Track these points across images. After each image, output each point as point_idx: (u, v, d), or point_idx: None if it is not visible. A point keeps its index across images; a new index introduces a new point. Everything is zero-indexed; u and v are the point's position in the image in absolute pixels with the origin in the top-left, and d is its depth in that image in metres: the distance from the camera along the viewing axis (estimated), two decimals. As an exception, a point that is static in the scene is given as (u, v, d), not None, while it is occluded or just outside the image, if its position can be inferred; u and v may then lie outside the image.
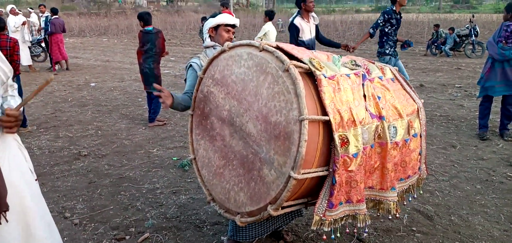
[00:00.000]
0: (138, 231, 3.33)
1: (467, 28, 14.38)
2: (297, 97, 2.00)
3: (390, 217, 2.42)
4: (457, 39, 14.60)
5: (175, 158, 4.97)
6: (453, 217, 3.49)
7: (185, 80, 2.89)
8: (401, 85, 2.64)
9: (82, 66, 13.37)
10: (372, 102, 2.32)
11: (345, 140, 2.10)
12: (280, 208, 2.15)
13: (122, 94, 8.92)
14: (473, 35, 13.96)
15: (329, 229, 2.22)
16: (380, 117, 2.29)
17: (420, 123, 2.54)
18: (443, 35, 15.16)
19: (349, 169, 2.14)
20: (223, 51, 2.45)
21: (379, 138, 2.29)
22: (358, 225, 2.29)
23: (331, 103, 2.11)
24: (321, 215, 2.18)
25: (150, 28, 6.21)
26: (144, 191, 4.07)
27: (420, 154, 2.58)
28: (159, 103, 6.46)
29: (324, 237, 2.45)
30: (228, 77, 2.39)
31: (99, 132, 6.16)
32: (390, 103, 2.41)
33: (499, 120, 5.80)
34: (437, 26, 15.58)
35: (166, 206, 3.75)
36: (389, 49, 6.29)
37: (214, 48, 2.87)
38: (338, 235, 2.35)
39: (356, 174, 2.17)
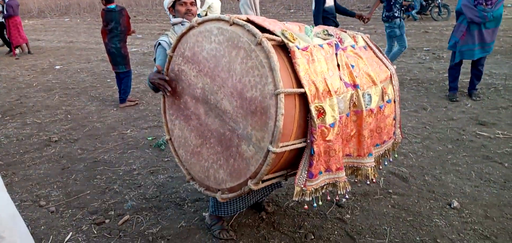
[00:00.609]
0: (117, 214, 3.28)
1: (433, -9, 14.58)
2: (272, 71, 1.97)
3: (368, 182, 2.46)
4: (423, 3, 14.82)
5: (150, 138, 4.88)
6: (427, 177, 3.60)
7: (154, 59, 2.81)
8: (374, 52, 2.65)
9: (45, 48, 12.83)
10: (346, 71, 2.32)
11: (322, 111, 2.11)
12: (260, 182, 2.16)
13: (90, 76, 8.64)
14: (439, -2, 14.19)
15: (310, 198, 2.24)
16: (355, 86, 2.30)
17: (393, 88, 2.57)
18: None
19: (327, 139, 2.15)
20: (192, 27, 2.37)
21: (354, 107, 2.31)
22: (339, 192, 2.32)
23: (306, 75, 2.09)
24: (302, 186, 2.20)
25: (112, 6, 5.97)
26: (120, 173, 3.99)
27: (394, 119, 2.62)
28: (129, 83, 6.30)
29: (306, 206, 2.48)
30: (199, 53, 2.33)
31: (69, 116, 5.96)
32: (363, 71, 2.42)
33: (467, 80, 5.97)
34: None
35: (145, 187, 3.69)
36: (397, 12, 6.53)
37: (182, 24, 2.81)
38: (320, 203, 2.37)
39: (334, 143, 2.18)
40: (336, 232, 2.90)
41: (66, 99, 6.88)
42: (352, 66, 2.36)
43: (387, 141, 2.61)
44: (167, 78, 2.53)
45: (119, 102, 6.32)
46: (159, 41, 2.78)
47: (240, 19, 2.17)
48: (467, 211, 3.06)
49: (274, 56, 1.97)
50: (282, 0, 22.80)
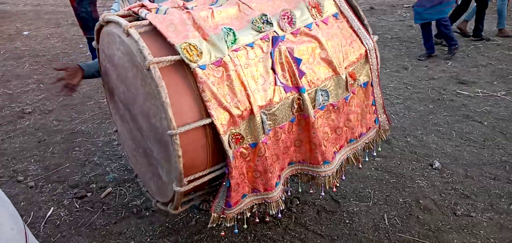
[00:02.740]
0: (99, 187, 3.21)
1: None
2: (163, 107, 1.68)
3: (322, 194, 2.29)
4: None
5: (128, 106, 4.74)
6: (409, 138, 3.64)
7: None
8: (348, 21, 2.19)
9: (10, 12, 12.16)
10: (286, 72, 1.95)
11: (239, 137, 1.85)
12: (180, 207, 1.99)
13: (61, 42, 8.27)
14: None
15: (232, 223, 2.04)
16: (298, 89, 1.96)
17: (370, 69, 2.20)
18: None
19: (247, 159, 1.91)
20: (101, 25, 2.05)
21: (299, 111, 2.00)
22: (270, 212, 2.09)
23: (214, 101, 1.76)
24: (220, 214, 2.00)
25: None
26: (100, 145, 3.88)
27: (373, 104, 2.29)
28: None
29: (223, 233, 2.41)
30: (113, 56, 2.03)
31: (41, 85, 5.72)
32: (320, 58, 2.04)
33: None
34: None
35: (125, 158, 3.59)
36: None
37: None
38: (245, 226, 2.17)
39: (257, 165, 1.94)
40: (321, 197, 2.91)
41: (37, 67, 6.58)
42: (298, 61, 1.97)
43: (365, 133, 2.30)
44: (68, 66, 2.32)
45: (94, 69, 6.08)
46: (112, 8, 2.54)
47: (141, 26, 1.83)
48: (448, 171, 3.12)
49: (162, 90, 1.65)
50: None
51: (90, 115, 4.59)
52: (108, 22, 2.00)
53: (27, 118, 4.58)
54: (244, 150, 1.88)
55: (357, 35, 2.18)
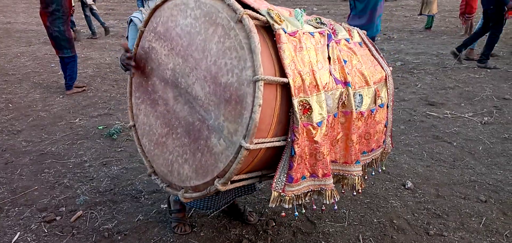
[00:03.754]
0: (69, 210, 3.10)
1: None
2: (252, 54, 1.72)
3: (354, 194, 2.29)
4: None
5: (101, 127, 4.65)
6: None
7: (127, 37, 2.61)
8: (369, 50, 2.42)
9: (-21, 30, 11.83)
10: (337, 66, 2.07)
11: (307, 107, 1.87)
12: (229, 183, 1.91)
13: (32, 60, 8.08)
14: (387, -20, 14.58)
15: (290, 206, 1.99)
16: (346, 83, 2.06)
17: (387, 92, 2.35)
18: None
19: (315, 139, 1.91)
20: (166, 0, 2.13)
21: (343, 107, 2.07)
22: (325, 201, 2.06)
23: (291, 63, 1.84)
24: (280, 191, 1.95)
25: None
26: (70, 166, 3.77)
27: (385, 126, 2.40)
28: (75, 68, 5.94)
29: (283, 214, 2.33)
30: (172, 29, 2.08)
31: (10, 105, 5.54)
32: (356, 69, 2.18)
33: (417, 61, 6.20)
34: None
35: (97, 180, 3.51)
36: None
37: None
38: (303, 211, 2.16)
39: (321, 145, 1.94)
40: (296, 218, 2.91)
41: (6, 86, 6.38)
42: (345, 61, 2.12)
43: (375, 150, 2.37)
44: (130, 55, 2.29)
45: (65, 88, 5.95)
46: (132, 17, 2.55)
47: None
48: (420, 191, 3.19)
49: (256, 36, 1.73)
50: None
51: (61, 135, 4.46)
52: None
53: (-6, 139, 4.41)
54: (311, 128, 1.89)
55: (378, 62, 2.39)
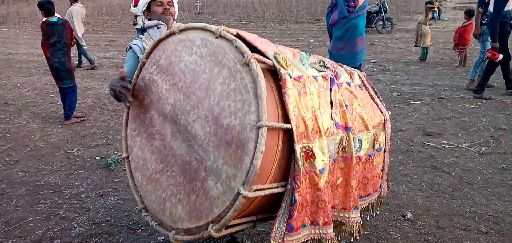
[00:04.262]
0: (64, 242, 3.05)
1: (377, 5, 15.30)
2: (257, 99, 1.69)
3: (351, 240, 2.25)
4: (369, 16, 15.49)
5: (98, 157, 4.63)
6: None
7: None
8: (369, 93, 2.44)
9: (-20, 61, 11.92)
10: (338, 111, 2.09)
11: (310, 154, 1.85)
12: (223, 229, 1.84)
13: (31, 90, 8.12)
14: (383, 12, 14.91)
15: None
16: (346, 128, 2.07)
17: (385, 136, 2.37)
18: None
19: (317, 186, 1.89)
20: (172, 34, 2.10)
21: (343, 152, 2.06)
22: None
23: (295, 109, 1.83)
24: (279, 240, 1.90)
25: (54, 18, 5.66)
26: (67, 197, 3.74)
27: (382, 170, 2.41)
28: (74, 98, 5.98)
29: None
30: (175, 65, 2.04)
31: (8, 135, 5.53)
32: (357, 113, 2.20)
33: (413, 92, 6.25)
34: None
35: (94, 211, 3.48)
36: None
37: (157, 27, 2.57)
38: None
39: (323, 193, 1.92)
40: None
41: (5, 116, 6.39)
42: (346, 105, 2.13)
43: (372, 194, 2.37)
44: (129, 86, 2.22)
45: (64, 119, 5.97)
46: (131, 44, 2.54)
47: (228, 32, 1.92)
48: (420, 222, 3.16)
49: (262, 81, 1.70)
50: (233, 12, 22.89)
51: (58, 166, 4.44)
52: (183, 30, 2.05)
53: (-10, 170, 4.38)
54: (314, 175, 1.86)
55: (377, 105, 2.42)
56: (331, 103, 2.07)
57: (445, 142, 4.69)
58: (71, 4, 9.73)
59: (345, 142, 2.06)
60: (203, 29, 1.97)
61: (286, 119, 1.81)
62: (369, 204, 2.39)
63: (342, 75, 2.28)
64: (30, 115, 6.43)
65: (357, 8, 4.92)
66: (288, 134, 1.82)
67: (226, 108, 1.79)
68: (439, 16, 17.56)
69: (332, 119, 2.02)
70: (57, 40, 5.61)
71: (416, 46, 9.95)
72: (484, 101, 6.24)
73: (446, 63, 9.43)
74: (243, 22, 20.16)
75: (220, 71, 1.84)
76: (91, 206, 3.56)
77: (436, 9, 16.13)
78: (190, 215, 1.93)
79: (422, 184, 3.75)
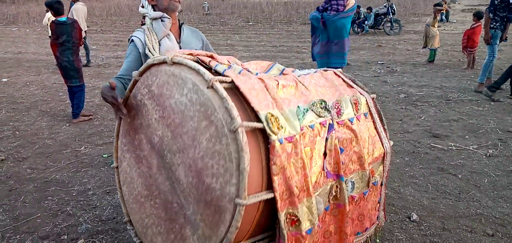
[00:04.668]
0: (71, 238, 3.08)
1: (385, 6, 15.26)
2: (239, 173, 1.59)
3: None
4: (377, 17, 15.46)
5: (105, 155, 4.67)
6: (387, 190, 3.66)
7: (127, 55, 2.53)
8: (374, 121, 2.32)
9: (-10, 59, 12.08)
10: (332, 159, 1.98)
11: (295, 219, 1.78)
12: None
13: (40, 89, 8.20)
14: (391, 13, 14.86)
15: None
16: (338, 176, 1.99)
17: (383, 169, 2.31)
18: (363, 15, 15.95)
19: None
20: (164, 62, 1.95)
21: (335, 199, 2.00)
22: None
23: (281, 176, 1.71)
24: None
25: (63, 18, 5.72)
26: (74, 194, 3.77)
27: (379, 202, 2.36)
28: (82, 97, 6.03)
29: None
30: (166, 98, 1.91)
31: (17, 132, 5.60)
32: (354, 151, 2.10)
33: (420, 93, 6.22)
34: (358, 7, 16.36)
35: (100, 208, 3.51)
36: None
37: (162, 20, 2.46)
38: None
39: None
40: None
41: (14, 114, 6.47)
42: (342, 150, 2.02)
43: (369, 228, 2.32)
44: (120, 99, 2.07)
45: (72, 117, 6.03)
46: (132, 37, 2.46)
47: (224, 82, 1.77)
48: (425, 224, 3.14)
49: (246, 156, 1.58)
50: (241, 13, 22.94)
51: (66, 163, 4.49)
52: (176, 63, 1.90)
53: (0, 166, 4.44)
54: (300, 237, 1.79)
55: (379, 137, 2.30)
56: (325, 154, 1.95)
57: (452, 144, 4.67)
58: (73, 3, 9.80)
59: (336, 191, 1.99)
60: (196, 72, 1.80)
61: (271, 185, 1.71)
62: (367, 238, 2.33)
63: (345, 111, 2.13)
64: (39, 113, 6.50)
65: (347, 9, 5.30)
66: (271, 200, 1.73)
67: (209, 167, 1.71)
68: (447, 19, 17.46)
69: (323, 169, 1.93)
70: (66, 39, 5.67)
71: (424, 47, 9.91)
72: (492, 103, 6.20)
73: (454, 65, 9.38)
74: (251, 23, 20.20)
75: (207, 126, 1.72)
76: (97, 203, 3.59)
77: (444, 11, 16.05)
78: None
79: (428, 186, 3.73)
